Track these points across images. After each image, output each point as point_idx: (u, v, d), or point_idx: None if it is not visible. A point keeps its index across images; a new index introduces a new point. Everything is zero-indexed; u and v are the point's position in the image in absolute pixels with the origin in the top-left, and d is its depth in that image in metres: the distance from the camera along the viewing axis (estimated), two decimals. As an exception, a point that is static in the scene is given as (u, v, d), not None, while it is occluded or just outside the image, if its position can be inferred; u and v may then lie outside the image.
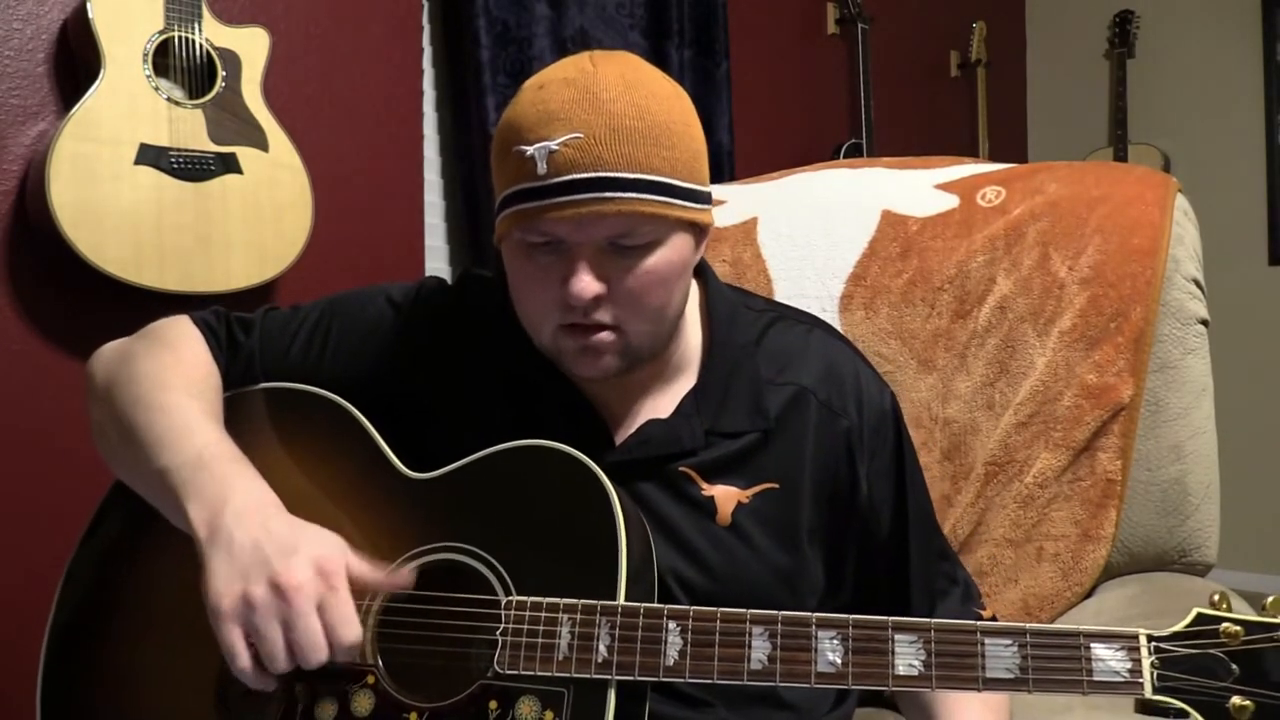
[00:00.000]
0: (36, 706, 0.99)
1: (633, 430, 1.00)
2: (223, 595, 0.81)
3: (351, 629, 0.82)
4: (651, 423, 0.99)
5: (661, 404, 1.01)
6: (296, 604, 0.81)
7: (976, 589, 1.13)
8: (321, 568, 0.83)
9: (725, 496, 0.98)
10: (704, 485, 0.98)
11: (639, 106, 0.88)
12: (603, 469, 0.91)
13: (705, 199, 0.95)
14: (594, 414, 1.00)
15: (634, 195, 0.87)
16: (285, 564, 0.82)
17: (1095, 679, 0.75)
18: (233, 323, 1.08)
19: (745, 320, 1.05)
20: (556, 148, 0.87)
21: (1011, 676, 0.76)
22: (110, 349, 1.06)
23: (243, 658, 0.81)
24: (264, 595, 0.81)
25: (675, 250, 0.92)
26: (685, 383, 1.02)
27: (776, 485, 0.99)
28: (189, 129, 1.77)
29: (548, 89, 0.90)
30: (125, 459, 0.98)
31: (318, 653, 0.81)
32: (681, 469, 0.98)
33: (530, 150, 0.87)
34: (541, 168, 0.87)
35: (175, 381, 0.98)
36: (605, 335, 0.92)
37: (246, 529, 0.84)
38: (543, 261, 0.91)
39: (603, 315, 0.91)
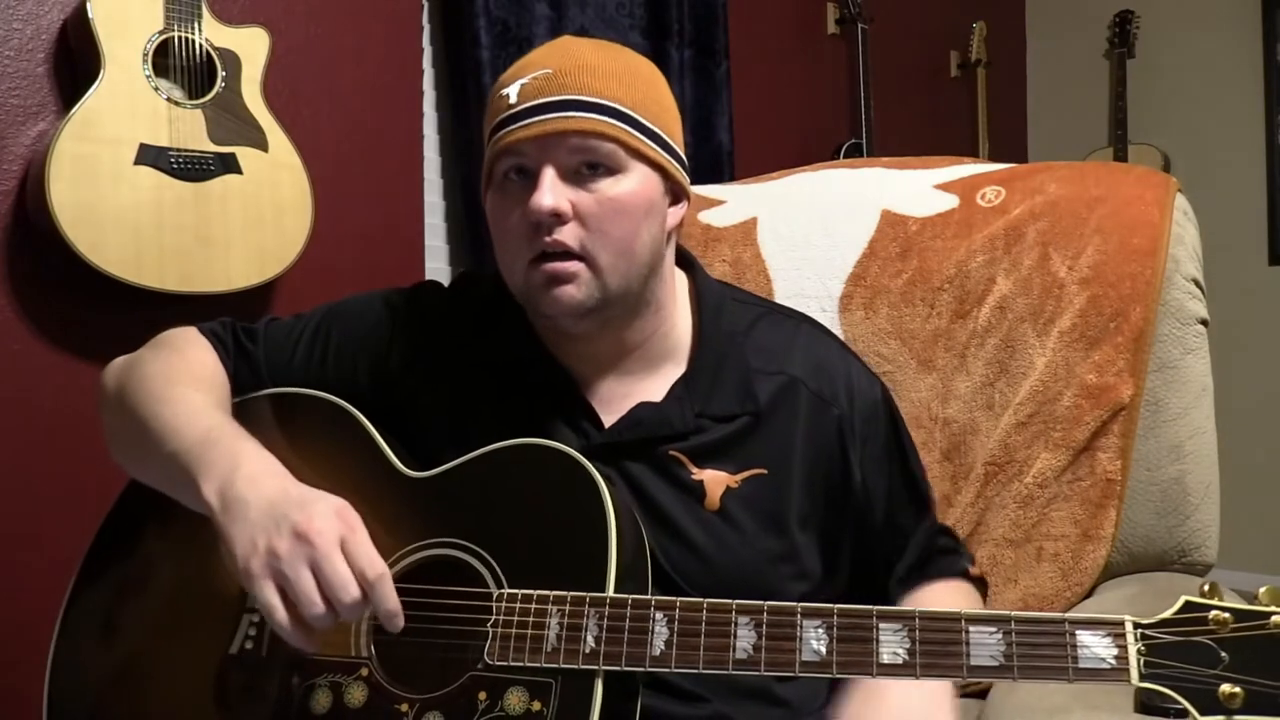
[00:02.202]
0: (43, 702, 1.00)
1: (623, 413, 1.02)
2: (249, 555, 0.83)
3: (374, 562, 0.84)
4: (642, 405, 1.02)
5: (651, 389, 1.03)
6: (321, 545, 0.82)
7: (971, 556, 1.15)
8: (339, 512, 0.85)
9: (714, 481, 1.00)
10: (693, 469, 1.00)
11: (607, 53, 0.99)
12: (592, 450, 0.94)
13: (674, 153, 1.01)
14: (583, 398, 1.03)
15: (594, 116, 0.94)
16: (305, 513, 0.84)
17: (1081, 666, 0.74)
18: (239, 332, 1.12)
19: (734, 311, 1.08)
20: (527, 81, 0.95)
21: (996, 664, 0.76)
22: (120, 361, 1.10)
23: (280, 611, 0.82)
24: (288, 544, 0.82)
25: (639, 184, 0.97)
26: (675, 370, 1.04)
27: (765, 471, 1.01)
28: (189, 129, 1.77)
29: (531, 53, 1.01)
30: (139, 455, 1.00)
31: (349, 589, 0.82)
32: (671, 453, 1.00)
33: (507, 90, 0.97)
34: (514, 99, 0.95)
35: (182, 378, 1.02)
36: (572, 263, 0.95)
37: (260, 490, 0.86)
38: (514, 192, 0.97)
39: (567, 237, 0.94)
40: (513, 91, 0.96)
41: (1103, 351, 1.30)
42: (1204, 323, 1.34)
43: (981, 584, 1.14)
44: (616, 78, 0.96)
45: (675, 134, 1.01)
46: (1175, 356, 1.31)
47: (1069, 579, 1.28)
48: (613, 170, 0.95)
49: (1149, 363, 1.30)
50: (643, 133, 0.96)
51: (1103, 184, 1.41)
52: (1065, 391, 1.31)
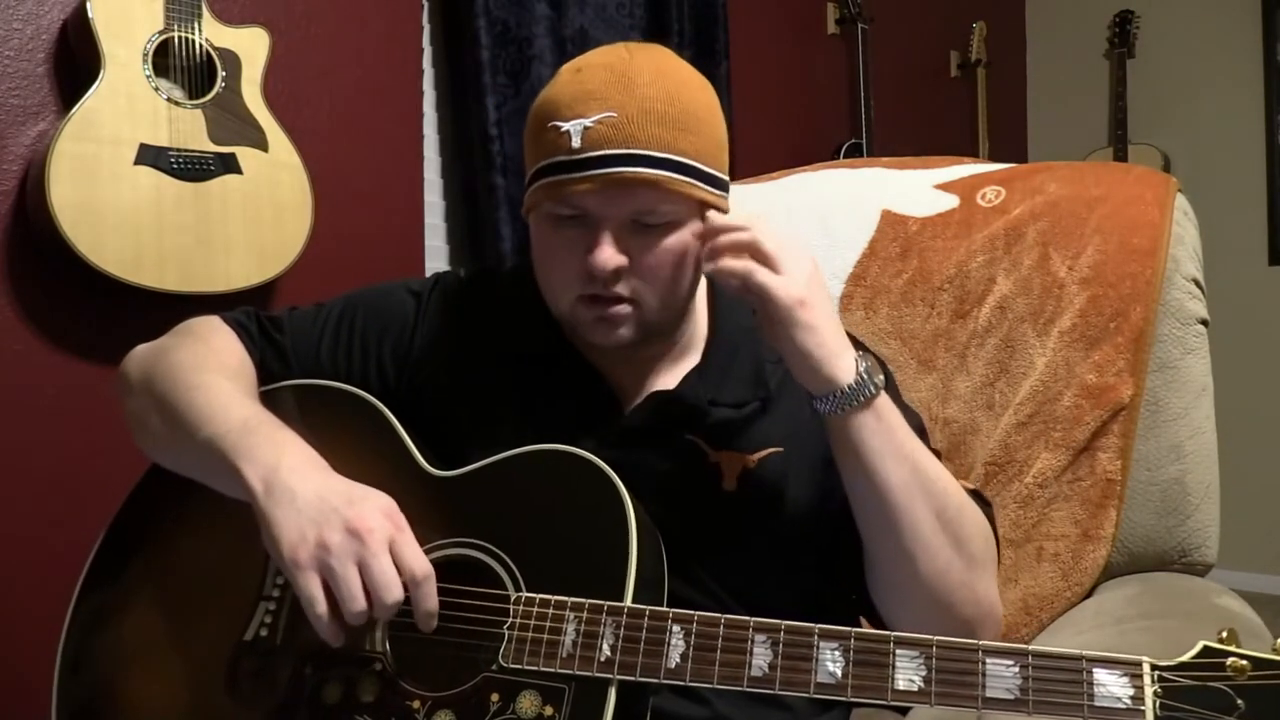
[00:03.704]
0: (53, 692, 1.00)
1: (639, 401, 1.04)
2: (298, 544, 0.84)
3: (422, 562, 0.85)
4: (657, 394, 1.04)
5: (669, 379, 1.05)
6: (372, 544, 0.83)
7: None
8: (388, 512, 0.86)
9: (731, 462, 1.02)
10: (710, 452, 1.02)
11: (670, 93, 0.94)
12: (611, 437, 0.97)
13: (724, 186, 1.01)
14: (605, 387, 1.04)
15: (660, 173, 0.92)
16: (355, 510, 0.85)
17: (1096, 704, 0.74)
18: (263, 321, 1.12)
19: (747, 308, 1.09)
20: (591, 124, 0.92)
21: (1011, 697, 0.76)
22: (143, 348, 1.10)
23: (322, 604, 0.83)
24: (340, 539, 0.83)
25: (695, 231, 0.97)
26: (691, 361, 1.06)
27: (781, 449, 1.03)
28: (189, 129, 1.77)
29: (585, 72, 0.95)
30: (168, 440, 1.00)
31: (393, 590, 0.83)
32: (688, 437, 1.02)
33: (566, 126, 0.92)
34: (576, 142, 0.92)
35: (212, 366, 1.02)
36: (622, 308, 0.96)
37: (307, 482, 0.87)
38: (568, 234, 0.95)
39: (621, 288, 0.95)
40: (574, 132, 0.92)
41: (1103, 351, 1.30)
42: (1204, 323, 1.34)
43: (982, 499, 1.11)
44: (681, 125, 0.94)
45: (726, 162, 1.02)
46: (1175, 356, 1.31)
47: (1069, 579, 1.28)
48: (674, 224, 0.96)
49: (1149, 363, 1.30)
50: (704, 180, 0.96)
51: (1103, 184, 1.41)
52: (1065, 391, 1.31)
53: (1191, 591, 1.24)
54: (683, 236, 0.96)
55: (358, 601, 0.83)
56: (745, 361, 1.06)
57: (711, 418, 1.03)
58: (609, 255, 0.93)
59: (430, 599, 0.86)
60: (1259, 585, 3.39)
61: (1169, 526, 1.31)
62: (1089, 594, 1.29)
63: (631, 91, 0.93)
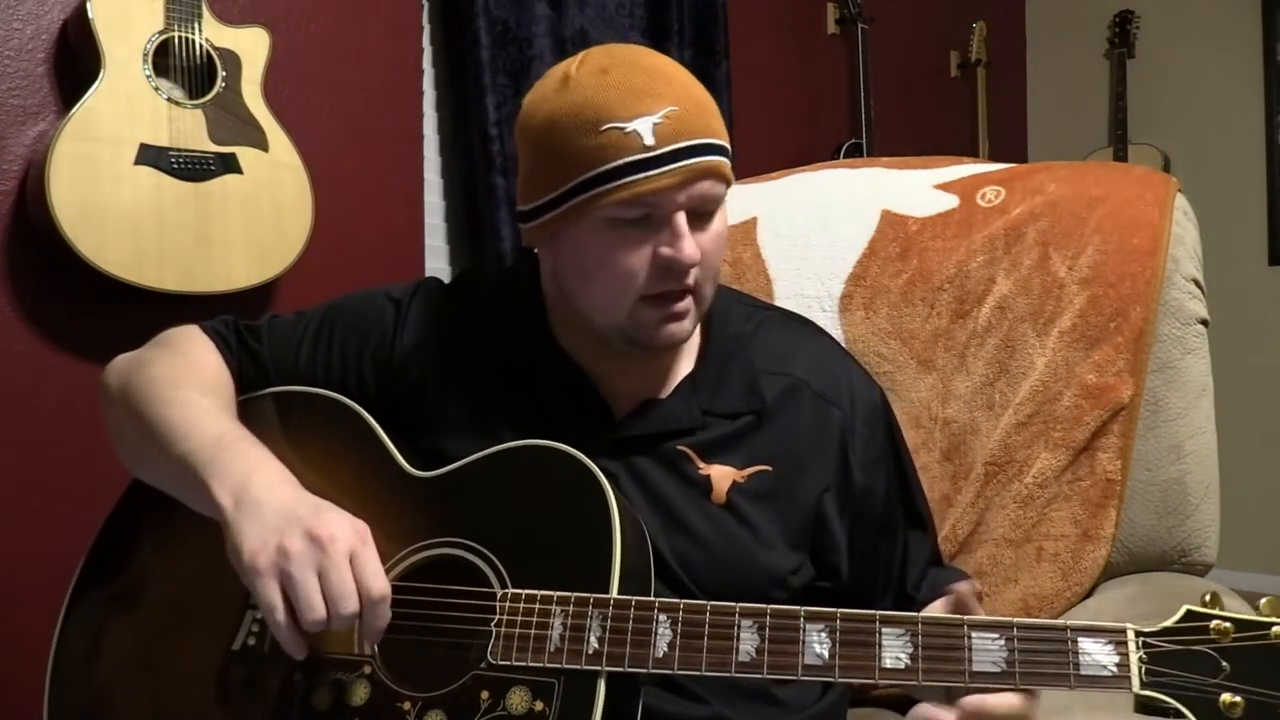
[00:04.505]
0: (44, 700, 1.00)
1: (632, 409, 1.03)
2: (258, 552, 0.83)
3: (380, 581, 0.84)
4: (650, 402, 1.03)
5: (660, 386, 1.04)
6: (333, 553, 0.83)
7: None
8: (353, 524, 0.86)
9: (721, 475, 1.01)
10: (701, 464, 1.01)
11: (699, 85, 0.97)
12: (603, 445, 0.96)
13: None
14: (596, 394, 1.03)
15: (720, 159, 0.94)
16: (320, 519, 0.85)
17: (1083, 673, 0.74)
18: (242, 330, 1.11)
19: (739, 314, 1.10)
20: (660, 120, 0.91)
21: (998, 670, 0.76)
22: (123, 359, 1.10)
23: (281, 611, 0.83)
24: (300, 545, 0.83)
25: (726, 214, 0.99)
26: (683, 368, 1.05)
27: (770, 468, 1.02)
28: (189, 129, 1.77)
29: (615, 73, 0.93)
30: (144, 455, 1.00)
31: (351, 602, 0.83)
32: (680, 448, 1.01)
33: (631, 125, 0.90)
34: (649, 140, 0.90)
35: (188, 380, 1.02)
36: (687, 301, 0.96)
37: (276, 495, 0.87)
38: (633, 235, 0.93)
39: (693, 279, 0.95)
40: (642, 130, 0.90)
41: (1103, 351, 1.30)
42: (1204, 323, 1.34)
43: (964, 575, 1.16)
44: (716, 113, 0.96)
45: None
46: (1175, 356, 1.32)
47: (1069, 579, 1.28)
48: (719, 209, 0.97)
49: (1149, 363, 1.30)
50: (732, 163, 0.98)
51: (1103, 184, 1.41)
52: (1065, 391, 1.31)
53: (1191, 591, 1.23)
54: (724, 219, 0.98)
55: (316, 610, 0.82)
56: (739, 370, 1.05)
57: (704, 429, 1.02)
58: (694, 246, 0.92)
59: (381, 619, 0.85)
60: (1259, 585, 3.38)
61: (1169, 526, 1.31)
62: (1089, 594, 1.29)
63: (675, 84, 0.93)
